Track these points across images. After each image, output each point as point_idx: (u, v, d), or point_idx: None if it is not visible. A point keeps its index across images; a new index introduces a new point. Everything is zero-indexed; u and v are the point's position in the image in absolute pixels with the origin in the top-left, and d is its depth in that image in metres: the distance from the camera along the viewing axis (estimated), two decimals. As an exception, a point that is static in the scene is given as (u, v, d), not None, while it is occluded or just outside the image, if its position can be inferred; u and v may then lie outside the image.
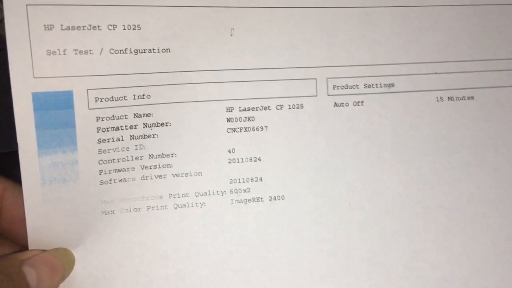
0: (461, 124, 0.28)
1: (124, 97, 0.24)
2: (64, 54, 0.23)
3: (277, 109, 0.26)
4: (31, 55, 0.23)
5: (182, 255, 0.25)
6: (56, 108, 0.23)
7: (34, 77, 0.23)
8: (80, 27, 0.23)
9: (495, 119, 0.28)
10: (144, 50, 0.24)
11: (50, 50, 0.23)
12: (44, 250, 0.23)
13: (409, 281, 0.27)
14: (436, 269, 0.27)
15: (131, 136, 0.24)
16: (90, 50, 0.23)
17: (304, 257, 0.27)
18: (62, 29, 0.23)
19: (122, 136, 0.24)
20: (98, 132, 0.24)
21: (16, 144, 0.22)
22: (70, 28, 0.23)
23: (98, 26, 0.23)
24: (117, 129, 0.24)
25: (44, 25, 0.23)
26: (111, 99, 0.24)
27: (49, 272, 0.22)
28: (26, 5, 0.23)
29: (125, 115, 0.24)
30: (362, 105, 0.27)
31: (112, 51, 0.24)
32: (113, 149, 0.24)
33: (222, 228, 0.26)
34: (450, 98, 0.28)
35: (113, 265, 0.25)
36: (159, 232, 0.25)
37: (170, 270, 0.25)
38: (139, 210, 0.25)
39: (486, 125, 0.28)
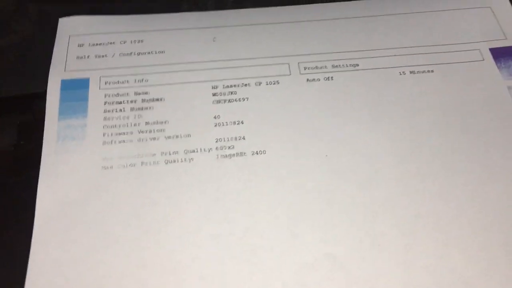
0: (423, 91, 0.31)
1: (127, 81, 0.31)
2: (88, 58, 0.32)
3: (255, 85, 0.31)
4: (66, 60, 0.31)
5: (170, 202, 0.27)
6: (76, 88, 0.30)
7: (65, 71, 0.31)
8: (100, 44, 0.32)
9: (454, 87, 0.31)
10: (144, 52, 0.32)
11: (78, 56, 0.32)
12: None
13: (385, 217, 0.26)
14: (410, 208, 0.27)
15: (131, 108, 0.30)
16: (105, 55, 0.32)
17: (285, 201, 0.27)
18: (89, 46, 0.32)
19: (124, 108, 0.30)
20: (104, 104, 0.30)
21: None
22: (94, 44, 0.32)
23: (113, 42, 0.32)
24: (120, 103, 0.30)
25: (78, 44, 0.32)
26: (117, 83, 0.31)
27: None
28: (69, 35, 0.33)
29: (127, 93, 0.30)
30: (332, 79, 0.31)
31: (121, 54, 0.32)
32: (115, 117, 0.29)
33: (208, 178, 0.28)
34: (412, 72, 0.31)
35: (107, 211, 0.27)
36: (150, 183, 0.27)
37: (159, 214, 0.26)
38: (134, 166, 0.28)
39: (447, 91, 0.31)
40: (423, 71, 0.31)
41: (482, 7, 0.34)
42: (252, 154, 0.28)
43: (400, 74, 0.31)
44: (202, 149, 0.29)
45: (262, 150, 0.29)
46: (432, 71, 0.31)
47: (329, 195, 0.27)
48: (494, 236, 0.25)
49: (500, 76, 0.31)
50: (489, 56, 0.32)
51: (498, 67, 0.31)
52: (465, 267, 0.25)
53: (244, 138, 0.29)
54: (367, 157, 0.28)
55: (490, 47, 0.32)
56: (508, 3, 0.34)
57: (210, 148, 0.29)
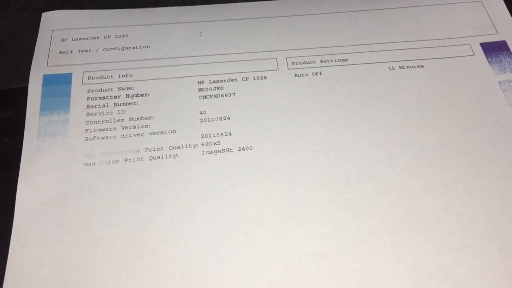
0: (413, 86, 0.30)
1: (111, 76, 0.30)
2: (70, 53, 0.31)
3: (242, 80, 0.30)
4: (48, 54, 0.31)
5: (154, 199, 0.26)
6: (58, 84, 0.29)
7: (47, 66, 0.30)
8: (84, 38, 0.31)
9: (444, 82, 0.30)
10: (129, 47, 0.31)
11: (61, 51, 0.31)
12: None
13: (373, 214, 0.26)
14: (398, 205, 0.26)
15: (114, 103, 0.29)
16: (89, 50, 0.31)
17: (272, 198, 0.26)
18: (72, 40, 0.31)
19: (107, 103, 0.29)
20: (87, 100, 0.29)
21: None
22: (78, 39, 0.31)
23: (97, 37, 0.32)
24: (103, 98, 0.29)
25: (61, 39, 0.31)
26: (100, 78, 0.30)
27: None
28: (52, 30, 0.32)
29: (110, 88, 0.30)
30: (320, 74, 0.31)
31: (105, 49, 0.31)
32: (98, 113, 0.29)
33: (193, 174, 0.27)
34: (401, 67, 0.31)
35: (89, 209, 0.26)
36: (134, 180, 0.27)
37: (142, 212, 0.26)
38: (117, 162, 0.27)
39: (437, 86, 0.30)
40: (413, 66, 0.31)
41: (473, 1, 0.33)
42: (239, 150, 0.28)
43: (390, 69, 0.31)
44: (188, 145, 0.28)
45: (248, 146, 0.28)
46: (422, 66, 0.31)
47: (316, 191, 0.26)
48: (483, 233, 0.25)
49: (491, 71, 0.30)
50: (479, 51, 0.31)
51: (489, 62, 0.31)
52: (453, 264, 0.24)
53: (230, 134, 0.28)
54: (355, 153, 0.28)
55: (481, 42, 0.32)
56: (498, -2, 0.34)
57: (196, 144, 0.28)
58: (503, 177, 0.27)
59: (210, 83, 0.30)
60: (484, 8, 0.33)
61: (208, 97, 0.30)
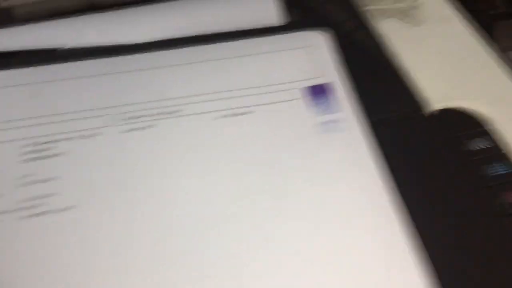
0: (245, 132, 0.31)
1: None
2: None
3: (72, 139, 0.30)
4: None
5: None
6: None
7: None
8: None
9: (272, 126, 0.31)
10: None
11: None
12: None
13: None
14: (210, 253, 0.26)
15: None
16: None
17: (95, 263, 0.26)
18: None
19: None
20: None
21: None
22: None
23: None
24: None
25: None
26: None
27: None
28: None
29: None
30: (152, 128, 0.31)
31: None
32: None
33: (10, 244, 0.26)
34: (234, 115, 0.32)
35: None
36: None
37: None
38: None
39: (266, 131, 0.31)
40: (244, 113, 0.32)
41: (300, 47, 0.36)
42: (61, 211, 0.27)
43: (222, 117, 0.32)
44: (5, 211, 0.27)
45: (72, 206, 0.27)
46: (253, 112, 0.32)
47: (135, 254, 0.26)
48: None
49: (314, 112, 0.32)
50: (304, 95, 0.33)
51: (314, 105, 0.32)
52: None
53: (55, 195, 0.28)
54: (185, 204, 0.28)
55: (306, 85, 0.33)
56: (323, 42, 0.36)
57: (15, 209, 0.27)
58: (333, 211, 0.27)
59: (35, 145, 0.30)
60: (309, 53, 0.35)
61: (32, 160, 0.29)
